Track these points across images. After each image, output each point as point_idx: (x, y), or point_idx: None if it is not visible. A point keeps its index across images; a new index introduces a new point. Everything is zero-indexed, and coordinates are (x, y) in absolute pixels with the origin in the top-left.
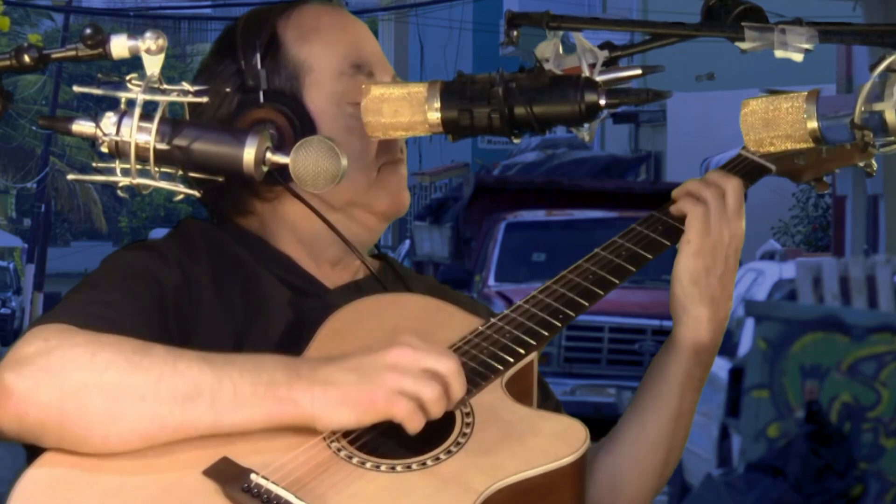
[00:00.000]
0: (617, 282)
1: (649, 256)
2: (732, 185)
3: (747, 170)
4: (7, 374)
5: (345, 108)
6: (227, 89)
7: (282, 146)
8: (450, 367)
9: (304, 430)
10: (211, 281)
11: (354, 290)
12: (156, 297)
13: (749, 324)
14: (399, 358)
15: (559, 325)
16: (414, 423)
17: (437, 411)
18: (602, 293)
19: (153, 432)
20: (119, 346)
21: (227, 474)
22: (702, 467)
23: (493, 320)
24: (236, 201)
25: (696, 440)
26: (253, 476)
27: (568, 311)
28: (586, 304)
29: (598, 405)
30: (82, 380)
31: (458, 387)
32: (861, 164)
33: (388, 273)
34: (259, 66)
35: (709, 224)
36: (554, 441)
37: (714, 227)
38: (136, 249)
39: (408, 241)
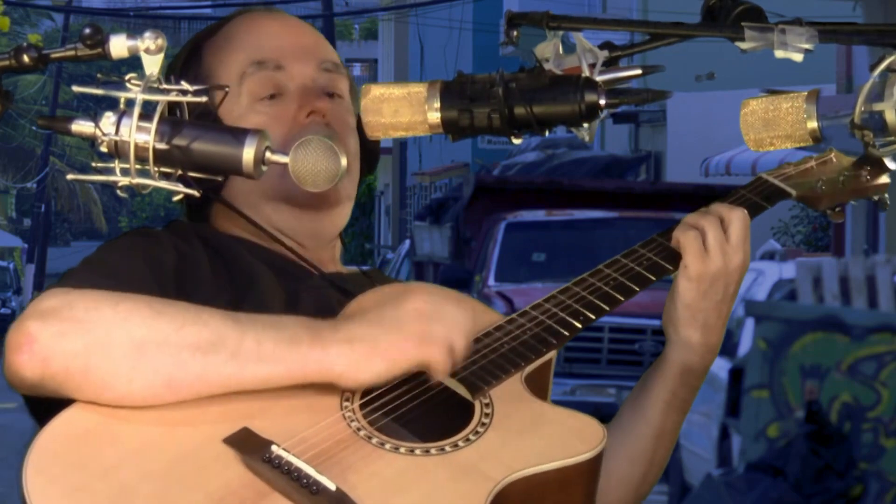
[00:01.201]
0: (638, 289)
1: (670, 267)
2: (737, 215)
3: (767, 193)
4: (31, 322)
5: (254, 107)
6: (227, 88)
7: None
8: (467, 313)
9: (325, 404)
10: (207, 263)
11: (360, 278)
12: (155, 274)
13: (749, 324)
14: (420, 305)
15: (580, 325)
16: (445, 368)
17: (461, 357)
18: (622, 299)
19: (175, 379)
20: (141, 298)
21: (247, 444)
22: (702, 467)
23: (513, 315)
24: (203, 210)
25: (696, 440)
26: (274, 447)
27: (588, 314)
28: (607, 308)
29: (598, 405)
30: (107, 328)
31: (472, 333)
32: (875, 198)
33: (362, 280)
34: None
35: (706, 250)
36: (572, 437)
37: (713, 253)
38: (132, 235)
39: (408, 241)
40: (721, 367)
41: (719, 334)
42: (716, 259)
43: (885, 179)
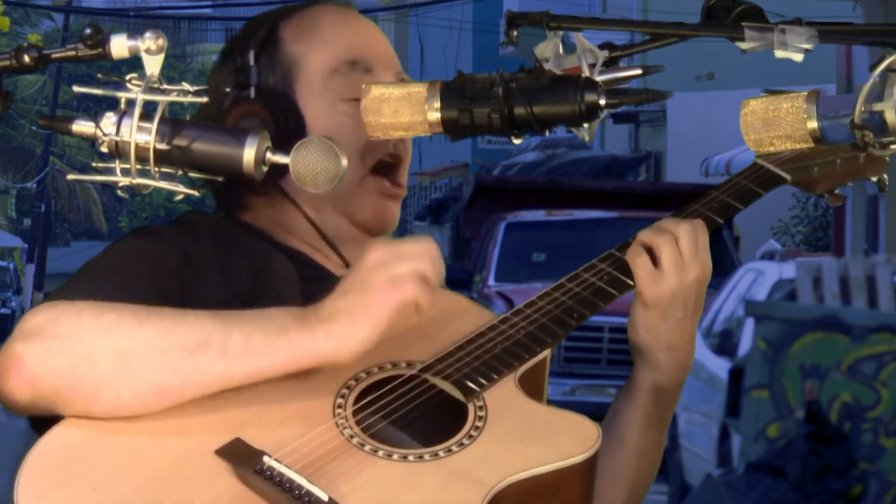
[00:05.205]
0: (632, 283)
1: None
2: (683, 229)
3: (762, 178)
4: (17, 344)
5: (337, 106)
6: (227, 89)
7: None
8: (425, 244)
9: (317, 411)
10: (215, 262)
11: None
12: (156, 277)
13: (749, 324)
14: (377, 257)
15: (574, 323)
16: (426, 296)
17: (437, 280)
18: (617, 294)
19: (165, 385)
20: (125, 307)
21: (239, 455)
22: (702, 467)
23: (506, 315)
24: (235, 196)
25: (696, 440)
26: (266, 458)
27: (583, 310)
28: (601, 304)
29: (598, 405)
30: (92, 341)
31: (440, 260)
32: (874, 178)
33: None
34: (252, 62)
35: (659, 275)
36: (566, 439)
37: (668, 276)
38: (138, 236)
39: None
40: (721, 367)
41: (688, 350)
42: (670, 278)
43: (882, 160)
